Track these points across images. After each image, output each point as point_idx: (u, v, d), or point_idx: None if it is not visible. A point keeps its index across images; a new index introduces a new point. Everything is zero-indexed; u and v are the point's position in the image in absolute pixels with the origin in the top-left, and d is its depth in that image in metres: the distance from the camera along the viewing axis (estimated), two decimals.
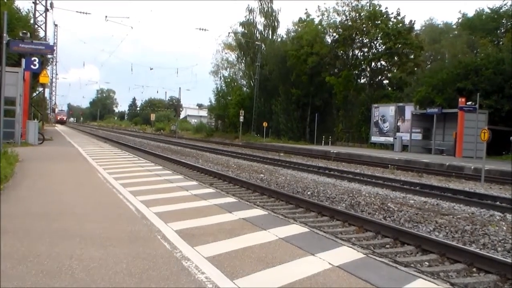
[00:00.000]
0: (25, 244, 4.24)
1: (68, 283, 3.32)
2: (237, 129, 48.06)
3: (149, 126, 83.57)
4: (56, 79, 63.07)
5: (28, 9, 34.23)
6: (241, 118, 45.00)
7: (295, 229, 5.46)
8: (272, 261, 4.08)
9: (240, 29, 54.90)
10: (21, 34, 16.39)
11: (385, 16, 39.96)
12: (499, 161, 23.30)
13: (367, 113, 37.73)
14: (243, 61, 56.82)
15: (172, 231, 5.04)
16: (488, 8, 44.85)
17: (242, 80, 58.44)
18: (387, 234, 7.02)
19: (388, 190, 12.36)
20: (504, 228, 8.02)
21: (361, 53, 43.08)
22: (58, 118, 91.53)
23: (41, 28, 32.99)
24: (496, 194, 12.09)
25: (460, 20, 48.81)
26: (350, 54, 43.86)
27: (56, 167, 11.16)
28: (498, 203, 10.53)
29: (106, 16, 60.40)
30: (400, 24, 39.02)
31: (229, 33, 61.84)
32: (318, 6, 49.12)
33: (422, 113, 31.13)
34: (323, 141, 39.50)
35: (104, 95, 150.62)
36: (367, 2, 41.76)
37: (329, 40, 44.54)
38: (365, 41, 41.80)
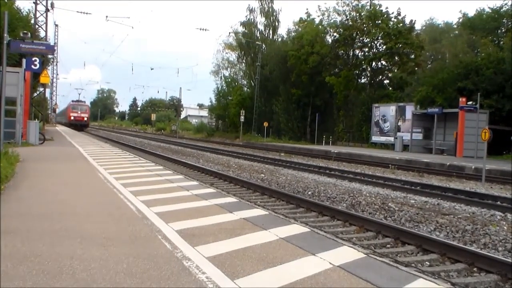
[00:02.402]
0: (26, 244, 4.24)
1: (69, 283, 3.32)
2: (237, 129, 48.07)
3: (150, 126, 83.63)
4: (57, 79, 62.80)
5: (28, 9, 34.28)
6: (242, 118, 45.02)
7: (295, 229, 5.46)
8: (272, 261, 4.08)
9: (240, 29, 54.99)
10: (21, 35, 16.39)
11: (385, 16, 39.94)
12: (500, 160, 23.29)
13: (368, 113, 37.72)
14: (244, 61, 56.86)
15: (172, 231, 5.04)
16: (489, 7, 44.84)
17: (243, 80, 58.50)
18: (388, 234, 7.02)
19: (389, 190, 12.36)
20: (505, 227, 8.01)
21: (362, 53, 43.08)
22: (72, 118, 53.43)
23: (42, 28, 33.01)
24: (496, 194, 12.09)
25: (460, 20, 48.82)
26: (351, 54, 43.85)
27: (56, 167, 11.17)
28: (498, 203, 10.53)
29: (106, 16, 60.18)
30: (401, 24, 39.01)
31: (229, 33, 61.93)
32: (318, 6, 49.23)
33: (422, 113, 31.12)
34: (323, 141, 39.51)
35: (105, 95, 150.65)
36: (367, 2, 41.79)
37: (330, 40, 44.55)
38: (365, 41, 41.79)
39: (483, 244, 6.89)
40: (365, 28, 40.60)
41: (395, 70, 41.43)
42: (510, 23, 41.58)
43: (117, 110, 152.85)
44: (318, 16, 46.05)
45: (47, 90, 47.29)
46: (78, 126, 52.32)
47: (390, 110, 35.05)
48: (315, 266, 3.97)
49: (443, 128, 30.57)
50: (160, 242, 4.58)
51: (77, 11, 65.94)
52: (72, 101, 58.79)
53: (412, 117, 32.07)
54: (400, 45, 38.05)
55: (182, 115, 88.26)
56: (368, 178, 14.70)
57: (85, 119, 54.69)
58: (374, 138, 36.34)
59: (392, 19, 39.84)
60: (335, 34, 43.56)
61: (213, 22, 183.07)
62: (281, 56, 46.20)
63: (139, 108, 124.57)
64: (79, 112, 53.90)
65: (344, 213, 8.32)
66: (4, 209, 5.70)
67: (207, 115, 73.79)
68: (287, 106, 45.82)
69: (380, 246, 6.64)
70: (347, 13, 42.44)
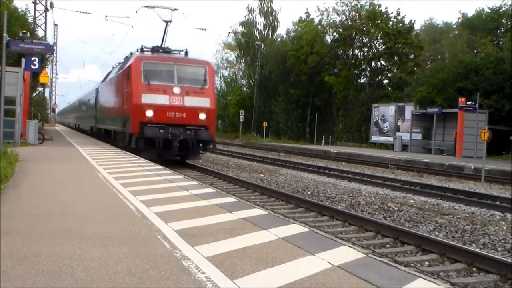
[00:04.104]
0: (26, 244, 4.24)
1: (69, 283, 3.31)
2: (237, 129, 48.10)
3: None
4: (56, 79, 62.51)
5: (26, 8, 34.20)
6: (241, 118, 45.03)
7: (295, 229, 5.45)
8: (272, 260, 4.08)
9: (240, 29, 55.04)
10: (21, 34, 16.38)
11: (385, 16, 39.99)
12: (499, 160, 23.31)
13: (367, 113, 37.73)
14: (243, 61, 56.91)
15: (172, 230, 5.04)
16: (488, 8, 44.87)
17: (242, 80, 58.56)
18: (387, 234, 7.03)
19: (388, 190, 12.37)
20: (504, 227, 8.03)
21: (361, 53, 43.12)
22: (149, 117, 14.18)
23: (41, 28, 32.96)
24: (496, 194, 12.11)
25: (460, 20, 48.80)
26: (350, 54, 43.88)
27: (56, 167, 11.16)
28: (498, 202, 10.55)
29: (106, 16, 60.10)
30: (400, 24, 39.07)
31: (229, 33, 61.93)
32: (318, 6, 49.34)
33: (422, 113, 31.14)
34: (323, 141, 39.52)
35: None
36: (367, 2, 41.83)
37: (329, 40, 44.57)
38: (365, 40, 41.82)
39: (482, 244, 6.90)
40: (364, 28, 40.63)
41: (395, 70, 41.46)
42: (509, 23, 41.58)
43: None
44: (318, 16, 46.16)
45: (47, 90, 47.23)
46: (182, 146, 14.44)
47: (389, 110, 35.06)
48: (314, 266, 3.96)
49: (442, 128, 30.59)
50: (159, 242, 4.58)
51: (77, 11, 65.85)
52: (145, 49, 16.35)
53: (411, 117, 32.09)
54: (400, 45, 38.10)
55: None
56: (367, 178, 14.70)
57: (202, 117, 14.94)
58: (374, 138, 36.35)
59: (392, 19, 39.91)
60: (334, 34, 43.59)
61: (212, 22, 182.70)
62: (281, 56, 46.23)
63: None
64: (179, 96, 14.57)
65: (343, 213, 8.33)
66: (4, 209, 5.70)
67: None
68: (286, 106, 45.85)
69: (380, 246, 6.65)
70: (347, 13, 42.50)
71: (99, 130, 24.45)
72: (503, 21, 42.85)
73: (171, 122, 14.34)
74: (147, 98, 14.38)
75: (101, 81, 25.51)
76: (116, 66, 21.20)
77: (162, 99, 14.38)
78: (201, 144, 14.91)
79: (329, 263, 4.05)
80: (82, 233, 4.75)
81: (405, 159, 22.24)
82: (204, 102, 14.90)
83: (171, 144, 14.09)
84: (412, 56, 39.67)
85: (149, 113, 14.29)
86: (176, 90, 14.45)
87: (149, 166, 12.34)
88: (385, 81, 43.70)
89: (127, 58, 18.05)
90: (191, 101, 14.61)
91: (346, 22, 42.05)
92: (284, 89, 46.13)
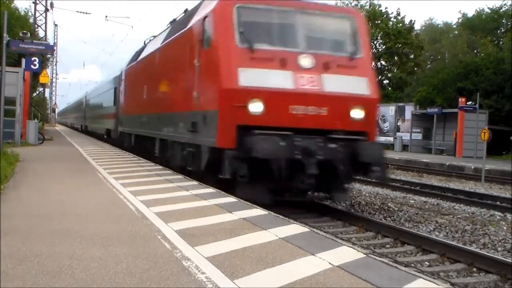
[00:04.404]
0: (26, 244, 4.24)
1: (69, 283, 3.31)
2: None
3: None
4: (56, 79, 62.35)
5: (26, 8, 34.22)
6: None
7: (295, 229, 5.45)
8: (272, 261, 4.08)
9: None
10: (21, 34, 16.40)
11: (385, 16, 40.03)
12: (500, 161, 23.31)
13: None
14: None
15: (172, 231, 5.04)
16: (488, 8, 44.95)
17: None
18: (387, 234, 7.04)
19: (388, 190, 12.37)
20: (504, 228, 8.03)
21: None
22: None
23: (41, 28, 32.98)
24: (496, 194, 12.11)
25: (460, 20, 48.88)
26: None
27: (56, 167, 11.16)
28: (498, 203, 10.55)
29: (106, 16, 60.06)
30: (400, 24, 39.10)
31: None
32: None
33: (422, 113, 31.15)
34: None
35: None
36: (367, 2, 41.88)
37: None
38: None
39: (482, 244, 6.90)
40: None
41: (395, 70, 41.48)
42: (509, 23, 41.63)
43: None
44: None
45: (47, 90, 47.20)
46: (321, 174, 7.11)
47: (389, 110, 35.04)
48: (314, 266, 3.96)
49: (442, 128, 30.59)
50: (159, 242, 4.58)
51: (77, 11, 65.59)
52: None
53: (411, 117, 32.08)
54: (400, 45, 38.13)
55: None
56: (367, 178, 14.68)
57: (358, 115, 7.75)
58: None
59: (392, 19, 39.94)
60: None
61: None
62: None
63: None
64: (313, 73, 7.53)
65: (343, 213, 8.32)
66: (4, 209, 5.70)
67: None
68: None
69: (380, 246, 6.65)
70: None
71: (126, 136, 17.16)
72: (503, 21, 42.92)
73: (299, 126, 7.45)
74: (249, 77, 7.38)
75: (127, 63, 17.53)
76: (151, 39, 14.23)
77: (279, 79, 7.45)
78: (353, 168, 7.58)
79: (329, 263, 4.05)
80: (82, 233, 4.75)
81: (405, 159, 22.23)
82: (358, 85, 7.87)
83: (302, 170, 7.15)
84: (412, 56, 39.73)
85: (256, 107, 7.35)
86: (306, 61, 7.58)
87: (149, 166, 12.34)
88: (385, 81, 43.72)
89: (194, 9, 10.14)
90: (335, 84, 7.67)
91: None
92: None
